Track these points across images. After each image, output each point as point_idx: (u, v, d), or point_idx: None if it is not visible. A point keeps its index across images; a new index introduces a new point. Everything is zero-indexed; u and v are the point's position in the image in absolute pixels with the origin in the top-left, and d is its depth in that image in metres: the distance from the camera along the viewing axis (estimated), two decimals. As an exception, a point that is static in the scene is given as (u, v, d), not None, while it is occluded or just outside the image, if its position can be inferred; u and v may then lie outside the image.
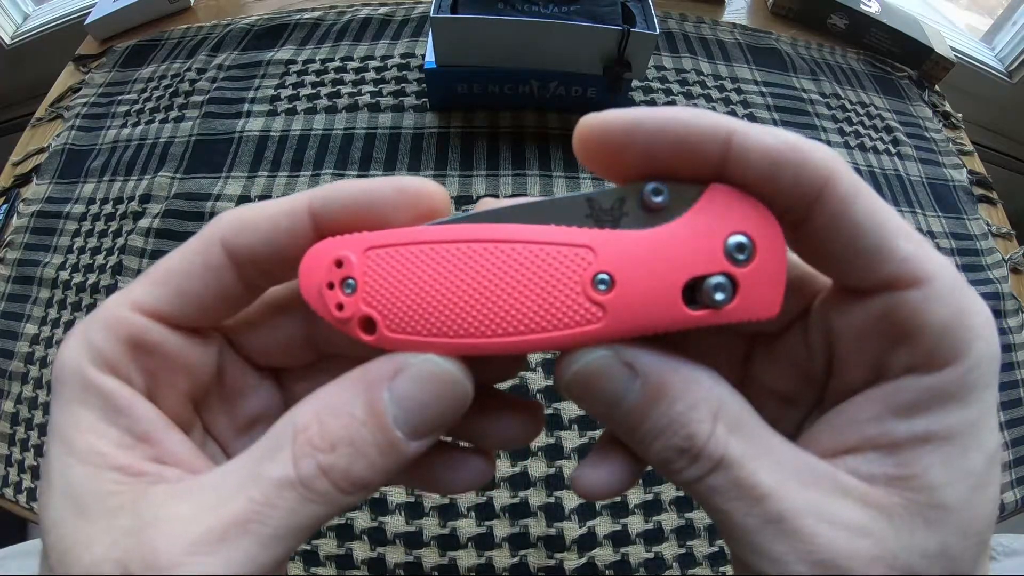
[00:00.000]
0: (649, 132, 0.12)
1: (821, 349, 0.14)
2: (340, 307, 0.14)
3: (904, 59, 0.64)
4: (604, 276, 0.12)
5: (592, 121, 0.13)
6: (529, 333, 0.13)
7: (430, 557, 0.34)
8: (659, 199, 0.13)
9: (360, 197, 0.14)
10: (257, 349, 0.17)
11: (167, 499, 0.12)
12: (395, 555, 0.34)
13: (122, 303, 0.14)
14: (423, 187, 0.14)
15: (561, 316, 0.13)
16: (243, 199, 0.47)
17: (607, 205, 0.13)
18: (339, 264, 0.14)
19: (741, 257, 0.12)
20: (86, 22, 0.63)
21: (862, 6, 0.63)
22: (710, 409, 0.12)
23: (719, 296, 0.12)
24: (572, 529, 0.35)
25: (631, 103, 0.53)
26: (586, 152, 0.13)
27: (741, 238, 0.12)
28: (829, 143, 0.53)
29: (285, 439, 0.13)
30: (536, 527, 0.35)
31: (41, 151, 0.54)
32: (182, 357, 0.15)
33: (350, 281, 0.13)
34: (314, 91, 0.54)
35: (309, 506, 0.12)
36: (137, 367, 0.14)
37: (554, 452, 0.37)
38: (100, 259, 0.46)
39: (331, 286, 0.14)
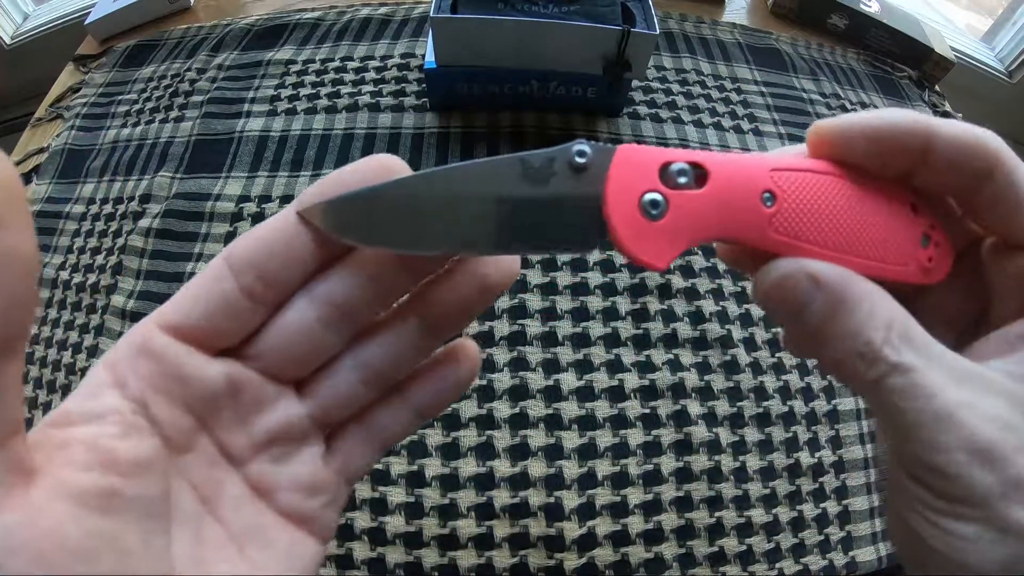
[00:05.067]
0: (875, 132, 0.16)
1: (984, 285, 0.17)
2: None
3: (904, 59, 0.64)
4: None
5: (827, 125, 0.16)
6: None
7: (430, 557, 0.34)
8: (583, 160, 0.15)
9: (342, 185, 0.16)
10: (273, 364, 0.17)
11: None
12: (395, 555, 0.34)
13: (153, 315, 0.15)
14: (390, 161, 0.16)
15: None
16: (243, 199, 0.47)
17: (537, 164, 0.15)
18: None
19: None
20: (86, 22, 0.63)
21: (862, 6, 0.63)
22: (883, 319, 0.15)
23: (682, 181, 0.15)
24: (572, 529, 0.35)
25: (631, 103, 0.53)
26: (820, 150, 0.16)
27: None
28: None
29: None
30: (536, 527, 0.35)
31: (41, 151, 0.54)
32: (182, 368, 0.15)
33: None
34: (314, 91, 0.54)
35: None
36: (133, 370, 0.15)
37: (554, 452, 0.37)
38: (100, 259, 0.46)
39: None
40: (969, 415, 0.13)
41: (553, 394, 0.38)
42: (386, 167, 0.16)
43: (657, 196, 0.15)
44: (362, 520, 0.35)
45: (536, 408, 0.38)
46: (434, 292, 0.17)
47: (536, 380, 0.39)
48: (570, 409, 0.38)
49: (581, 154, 0.15)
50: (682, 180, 0.15)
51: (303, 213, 0.15)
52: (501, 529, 0.35)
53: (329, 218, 0.15)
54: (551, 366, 0.39)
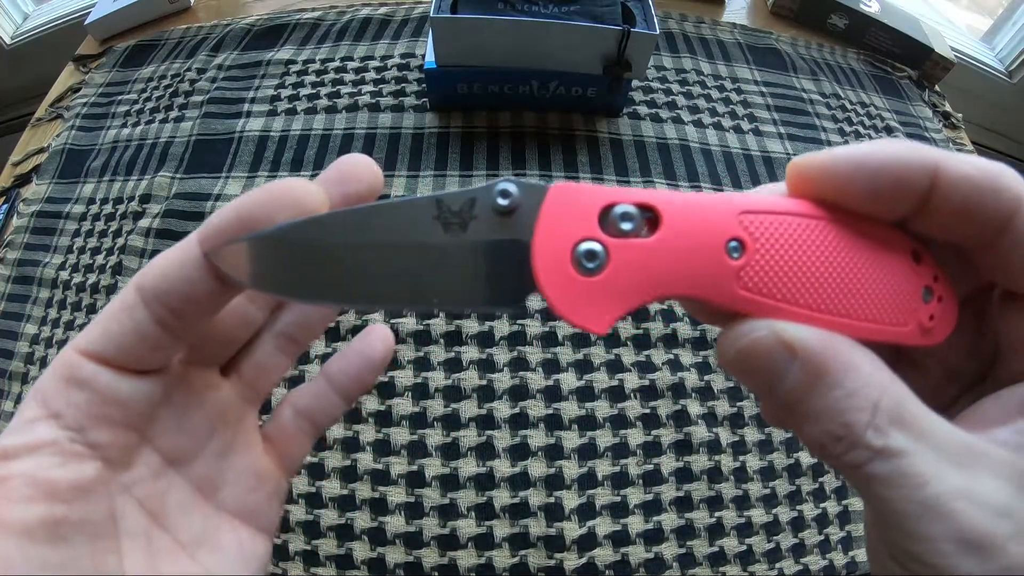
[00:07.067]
0: (869, 170, 0.13)
1: (993, 336, 0.15)
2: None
3: (904, 59, 0.64)
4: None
5: (811, 162, 0.14)
6: None
7: (430, 557, 0.34)
8: (507, 202, 0.13)
9: (239, 217, 0.14)
10: (203, 353, 0.18)
11: None
12: (395, 555, 0.34)
13: (72, 343, 0.15)
14: (297, 188, 0.14)
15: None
16: (243, 199, 0.47)
17: (456, 207, 0.13)
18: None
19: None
20: (86, 22, 0.63)
21: (862, 6, 0.63)
22: (870, 398, 0.12)
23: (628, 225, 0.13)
24: (572, 529, 0.35)
25: (631, 103, 0.53)
26: (802, 189, 0.14)
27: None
28: (829, 143, 0.53)
29: None
30: (536, 527, 0.35)
31: (41, 151, 0.54)
32: (116, 393, 0.15)
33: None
34: (314, 91, 0.54)
35: None
36: (67, 401, 0.14)
37: (554, 452, 0.37)
38: (100, 259, 0.46)
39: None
40: (962, 504, 0.12)
41: (553, 394, 0.38)
42: (294, 196, 0.14)
43: (594, 246, 0.13)
44: (362, 520, 0.35)
45: (536, 408, 0.38)
46: None
47: (536, 380, 0.39)
48: (570, 409, 0.38)
49: (505, 194, 0.13)
50: (626, 226, 0.13)
51: (208, 253, 0.14)
52: (501, 529, 0.35)
53: (227, 261, 0.14)
54: (551, 366, 0.39)
